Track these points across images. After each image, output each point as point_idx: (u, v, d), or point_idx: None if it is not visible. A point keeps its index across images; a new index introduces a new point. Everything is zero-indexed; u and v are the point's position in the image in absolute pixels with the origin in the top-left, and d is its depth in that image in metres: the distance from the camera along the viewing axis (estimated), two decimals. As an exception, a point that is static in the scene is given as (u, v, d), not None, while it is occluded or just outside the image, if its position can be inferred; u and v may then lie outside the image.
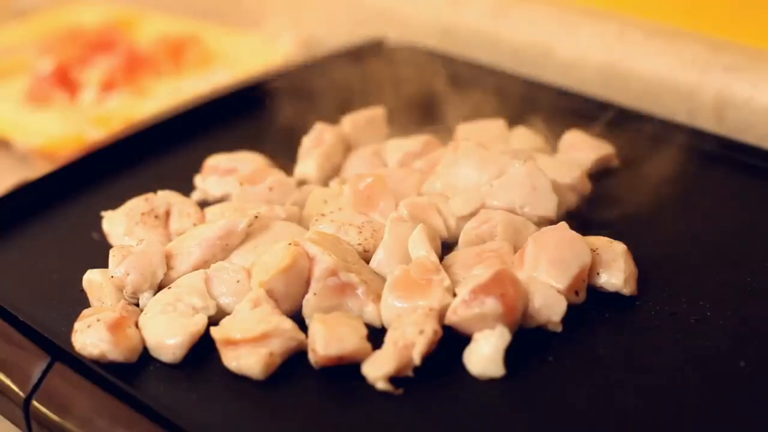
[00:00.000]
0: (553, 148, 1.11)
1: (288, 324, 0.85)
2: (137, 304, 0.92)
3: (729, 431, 0.78)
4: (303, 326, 0.87)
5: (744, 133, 1.20)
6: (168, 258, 0.93)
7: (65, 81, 1.50)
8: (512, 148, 1.08)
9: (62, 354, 0.87)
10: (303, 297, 0.89)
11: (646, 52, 1.30)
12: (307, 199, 1.03)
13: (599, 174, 1.08)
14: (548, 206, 0.96)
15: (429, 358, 0.83)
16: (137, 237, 0.98)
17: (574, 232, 0.92)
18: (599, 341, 0.86)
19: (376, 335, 0.86)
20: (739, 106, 1.23)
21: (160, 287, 0.92)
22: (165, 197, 1.03)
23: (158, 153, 1.17)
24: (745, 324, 0.88)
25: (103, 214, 1.02)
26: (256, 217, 0.96)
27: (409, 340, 0.83)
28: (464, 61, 1.34)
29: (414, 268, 0.89)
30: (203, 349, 0.87)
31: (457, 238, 0.96)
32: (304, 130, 1.13)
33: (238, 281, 0.90)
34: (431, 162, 1.06)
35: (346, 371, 0.83)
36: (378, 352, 0.84)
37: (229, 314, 0.88)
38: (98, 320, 0.86)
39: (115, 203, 1.03)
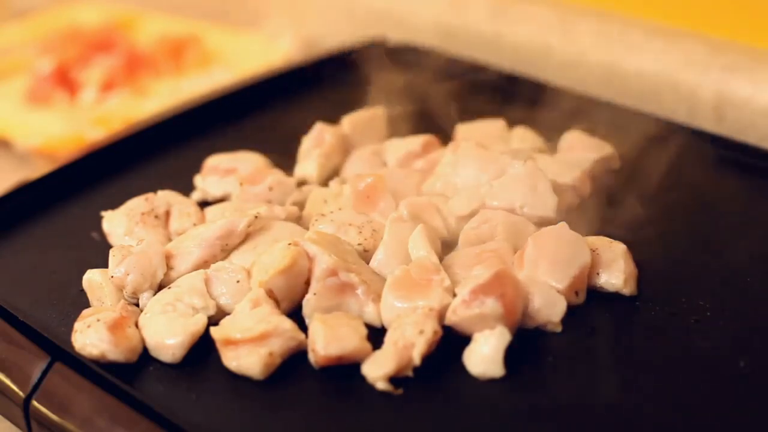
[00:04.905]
0: (553, 148, 1.11)
1: (288, 324, 0.85)
2: (137, 304, 0.92)
3: (729, 431, 0.78)
4: (303, 326, 0.87)
5: (744, 133, 1.20)
6: (168, 258, 0.93)
7: (65, 81, 1.50)
8: (512, 148, 1.08)
9: (62, 354, 0.87)
10: (303, 297, 0.89)
11: (646, 52, 1.30)
12: (307, 199, 1.03)
13: (599, 174, 1.08)
14: (548, 206, 0.96)
15: (429, 358, 0.83)
16: (137, 237, 0.98)
17: (574, 232, 0.92)
18: (599, 341, 0.86)
19: (376, 335, 0.86)
20: (739, 106, 1.23)
21: (160, 287, 0.92)
22: (165, 197, 1.03)
23: (158, 153, 1.17)
24: (745, 324, 0.88)
25: (103, 214, 1.02)
26: (256, 217, 0.96)
27: (409, 340, 0.83)
28: (464, 61, 1.34)
29: (414, 268, 0.89)
30: (203, 349, 0.87)
31: (457, 238, 0.96)
32: (304, 130, 1.13)
33: (238, 281, 0.90)
34: (431, 162, 1.06)
35: (346, 371, 0.83)
36: (378, 352, 0.84)
37: (229, 314, 0.88)
38: (98, 320, 0.86)
39: (115, 203, 1.03)
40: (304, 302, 0.89)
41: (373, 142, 1.13)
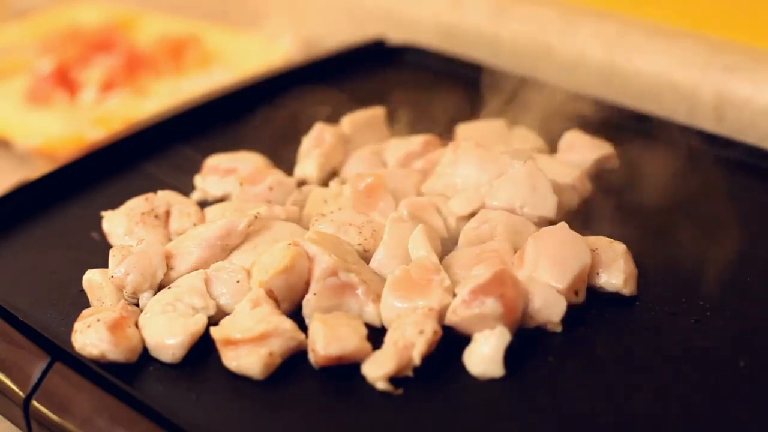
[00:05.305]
0: (553, 148, 1.11)
1: (288, 324, 0.85)
2: (137, 304, 0.92)
3: (729, 431, 0.78)
4: (303, 326, 0.87)
5: (744, 133, 1.20)
6: (168, 258, 0.93)
7: (65, 81, 1.50)
8: (512, 148, 1.07)
9: (62, 354, 0.87)
10: (303, 297, 0.89)
11: (646, 52, 1.30)
12: (307, 199, 1.03)
13: (599, 174, 1.08)
14: (548, 206, 0.96)
15: (429, 358, 0.83)
16: (137, 237, 0.98)
17: (574, 232, 0.92)
18: (599, 341, 0.86)
19: (376, 335, 0.86)
20: (739, 106, 1.23)
21: (160, 287, 0.92)
22: (165, 197, 1.03)
23: (158, 153, 1.17)
24: (745, 324, 0.88)
25: (103, 214, 1.02)
26: (256, 217, 0.96)
27: (409, 340, 0.83)
28: (464, 61, 1.34)
29: (414, 268, 0.89)
30: (203, 349, 0.87)
31: (457, 238, 0.96)
32: (304, 130, 1.13)
33: (238, 281, 0.90)
34: (431, 162, 1.06)
35: (346, 371, 0.83)
36: (378, 352, 0.84)
37: (229, 314, 0.88)
38: (98, 320, 0.86)
39: (115, 203, 1.03)
40: (304, 302, 0.89)
41: (373, 142, 1.13)
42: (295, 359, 0.85)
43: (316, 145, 1.10)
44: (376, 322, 0.88)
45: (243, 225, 0.95)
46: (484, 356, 0.83)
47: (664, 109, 1.26)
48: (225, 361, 0.85)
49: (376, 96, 1.21)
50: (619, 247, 0.92)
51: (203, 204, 1.06)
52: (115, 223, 1.01)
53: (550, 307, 0.86)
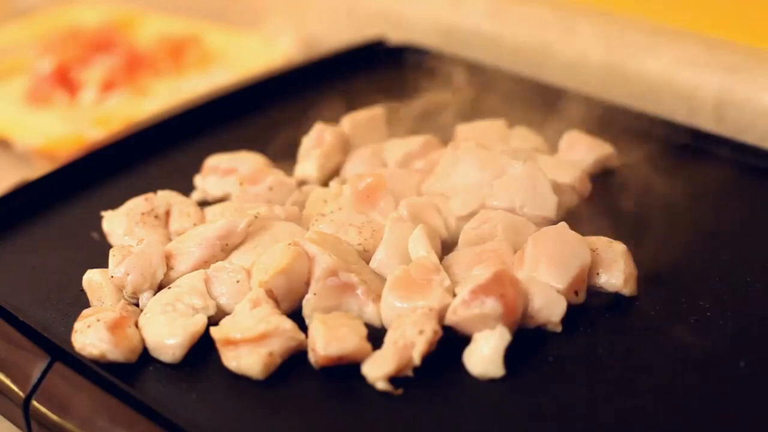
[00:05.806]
0: (553, 148, 1.11)
1: (288, 324, 0.85)
2: (137, 304, 0.92)
3: (729, 431, 0.78)
4: (303, 326, 0.87)
5: (744, 133, 1.20)
6: (168, 258, 0.93)
7: (65, 81, 1.50)
8: (512, 148, 1.07)
9: (62, 354, 0.87)
10: (303, 297, 0.89)
11: (646, 52, 1.30)
12: (307, 199, 1.03)
13: (599, 174, 1.08)
14: (548, 206, 0.96)
15: (429, 358, 0.83)
16: (137, 237, 0.98)
17: (574, 232, 0.92)
18: (599, 341, 0.86)
19: (376, 335, 0.86)
20: (739, 106, 1.23)
21: (160, 287, 0.92)
22: (165, 197, 1.03)
23: (158, 153, 1.17)
24: (745, 324, 0.88)
25: (103, 214, 1.02)
26: (256, 217, 0.96)
27: (409, 340, 0.83)
28: (464, 61, 1.34)
29: (414, 268, 0.89)
30: (203, 349, 0.87)
31: (457, 238, 0.96)
32: (304, 130, 1.13)
33: (238, 281, 0.90)
34: (431, 162, 1.06)
35: (346, 371, 0.83)
36: (378, 352, 0.84)
37: (229, 314, 0.88)
38: (98, 320, 0.86)
39: (115, 203, 1.03)
40: (304, 302, 0.89)
41: (373, 142, 1.13)
42: (295, 359, 0.85)
43: (316, 145, 1.10)
44: (376, 322, 0.88)
45: (243, 225, 0.95)
46: (484, 356, 0.83)
47: (664, 109, 1.26)
48: (225, 361, 0.85)
49: (376, 96, 1.21)
50: (619, 247, 0.92)
51: (203, 204, 1.06)
52: (115, 223, 1.01)
53: (550, 307, 0.86)
